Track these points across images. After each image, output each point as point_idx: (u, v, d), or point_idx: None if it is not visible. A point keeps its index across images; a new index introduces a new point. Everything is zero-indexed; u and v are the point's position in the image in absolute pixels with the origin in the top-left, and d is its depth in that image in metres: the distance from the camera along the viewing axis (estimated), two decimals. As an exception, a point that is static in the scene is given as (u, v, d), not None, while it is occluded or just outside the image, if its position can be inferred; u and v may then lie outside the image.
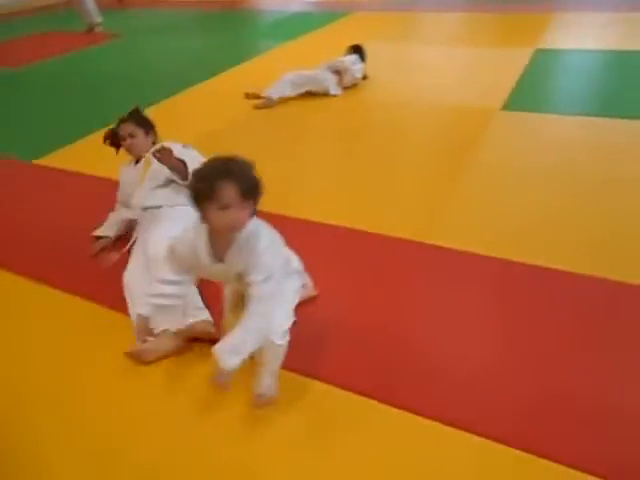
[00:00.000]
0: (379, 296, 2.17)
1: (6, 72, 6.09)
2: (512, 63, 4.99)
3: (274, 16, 8.41)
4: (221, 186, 1.35)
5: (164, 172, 2.27)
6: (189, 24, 8.39)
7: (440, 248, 2.43)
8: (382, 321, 2.02)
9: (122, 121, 2.50)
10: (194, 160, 2.23)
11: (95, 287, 2.33)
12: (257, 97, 4.46)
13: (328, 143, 3.79)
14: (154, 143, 2.50)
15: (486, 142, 3.52)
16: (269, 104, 4.36)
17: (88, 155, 3.48)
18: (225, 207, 1.37)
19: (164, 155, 2.13)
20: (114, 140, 2.56)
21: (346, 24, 7.30)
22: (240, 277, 1.52)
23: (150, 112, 4.34)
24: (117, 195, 2.67)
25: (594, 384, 1.68)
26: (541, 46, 5.49)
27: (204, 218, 1.44)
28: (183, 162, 2.18)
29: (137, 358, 1.86)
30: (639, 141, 3.35)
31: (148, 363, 1.86)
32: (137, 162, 2.53)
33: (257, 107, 4.37)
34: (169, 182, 2.33)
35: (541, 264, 2.26)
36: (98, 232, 2.59)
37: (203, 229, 1.50)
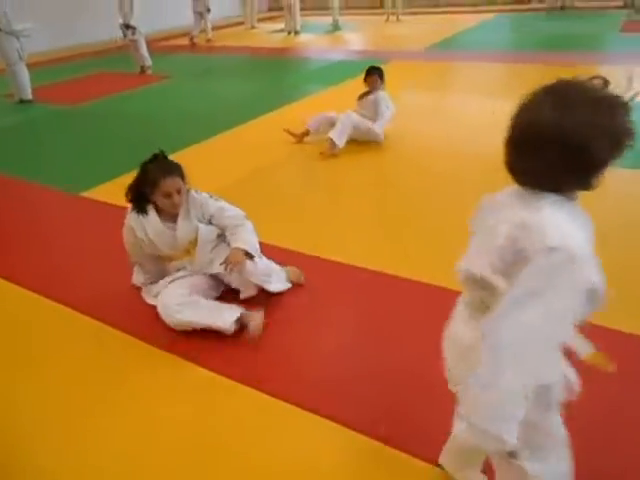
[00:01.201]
0: (406, 343, 2.13)
1: (63, 109, 6.45)
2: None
3: (318, 63, 8.70)
4: None
5: (213, 235, 2.36)
6: (237, 69, 8.76)
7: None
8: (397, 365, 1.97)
9: (166, 174, 2.16)
10: (232, 211, 2.38)
11: (133, 320, 2.38)
12: (301, 136, 4.53)
13: (363, 190, 3.82)
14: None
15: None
16: (335, 151, 4.24)
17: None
18: None
19: (237, 264, 2.22)
20: (142, 197, 2.23)
21: (385, 72, 7.47)
22: None
23: (189, 152, 4.55)
24: (132, 252, 2.41)
25: None
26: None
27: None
28: (246, 251, 2.28)
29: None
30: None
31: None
32: (158, 214, 2.26)
33: (323, 155, 4.26)
34: (220, 237, 2.40)
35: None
36: (149, 300, 2.42)
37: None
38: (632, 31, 9.27)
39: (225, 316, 2.17)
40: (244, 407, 1.87)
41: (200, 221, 2.31)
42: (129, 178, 2.30)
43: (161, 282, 2.38)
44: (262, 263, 2.38)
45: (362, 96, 4.58)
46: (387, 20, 13.19)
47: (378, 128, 4.41)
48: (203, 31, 11.51)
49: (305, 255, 2.79)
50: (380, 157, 4.31)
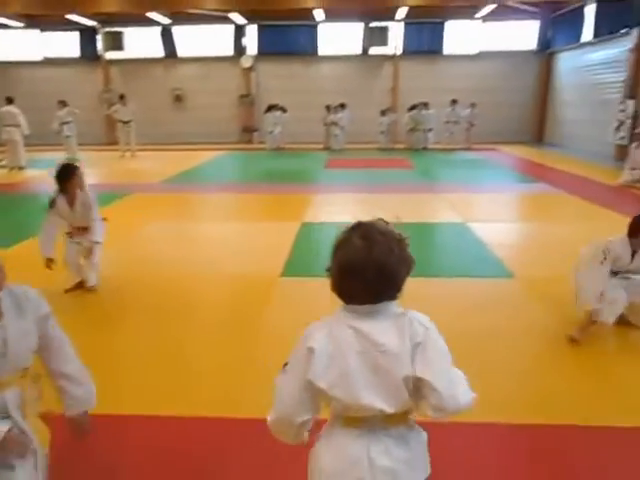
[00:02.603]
0: None
1: None
2: (284, 235, 5.70)
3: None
4: None
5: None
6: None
7: (249, 420, 2.44)
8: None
9: None
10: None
11: None
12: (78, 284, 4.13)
13: (118, 325, 3.63)
14: None
15: (271, 308, 3.79)
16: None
17: None
18: None
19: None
20: None
21: (125, 205, 7.48)
22: None
23: None
24: None
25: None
26: (306, 220, 6.43)
27: None
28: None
29: None
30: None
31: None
32: None
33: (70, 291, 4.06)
34: None
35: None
36: None
37: None
38: (333, 167, 11.56)
39: None
40: None
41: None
42: None
43: None
44: None
45: (71, 203, 4.03)
46: (122, 156, 13.43)
47: (99, 237, 4.08)
48: None
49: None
50: (127, 285, 4.20)
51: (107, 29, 16.66)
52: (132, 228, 5.98)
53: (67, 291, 4.06)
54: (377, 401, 1.21)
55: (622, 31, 11.84)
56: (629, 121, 11.42)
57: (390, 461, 1.25)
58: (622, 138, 11.63)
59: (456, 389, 1.24)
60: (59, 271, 4.17)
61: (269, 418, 1.31)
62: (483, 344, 3.19)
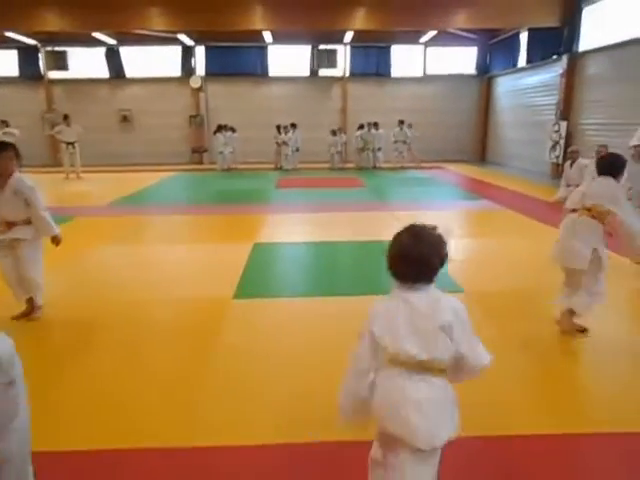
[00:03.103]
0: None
1: None
2: (236, 256, 5.65)
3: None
4: None
5: None
6: None
7: (207, 449, 2.40)
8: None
9: None
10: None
11: None
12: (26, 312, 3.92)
13: (62, 354, 3.49)
14: None
15: (224, 332, 3.74)
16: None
17: None
18: None
19: None
20: None
21: (70, 228, 7.19)
22: None
23: None
24: None
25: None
26: (258, 241, 6.42)
27: None
28: None
29: None
30: (349, 312, 4.06)
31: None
32: None
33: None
34: None
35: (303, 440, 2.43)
36: None
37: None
38: (285, 187, 11.62)
39: None
40: None
41: None
42: None
43: None
44: None
45: (0, 185, 3.72)
46: (67, 178, 13.00)
47: (55, 229, 3.86)
48: None
49: None
50: (74, 310, 4.05)
51: (49, 48, 16.25)
52: (78, 252, 5.78)
53: (16, 318, 3.85)
54: (414, 348, 1.65)
55: (553, 57, 12.66)
56: (562, 141, 12.14)
57: (421, 396, 1.64)
58: (557, 157, 12.34)
59: (476, 350, 1.73)
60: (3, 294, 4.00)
61: (342, 385, 1.74)
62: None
